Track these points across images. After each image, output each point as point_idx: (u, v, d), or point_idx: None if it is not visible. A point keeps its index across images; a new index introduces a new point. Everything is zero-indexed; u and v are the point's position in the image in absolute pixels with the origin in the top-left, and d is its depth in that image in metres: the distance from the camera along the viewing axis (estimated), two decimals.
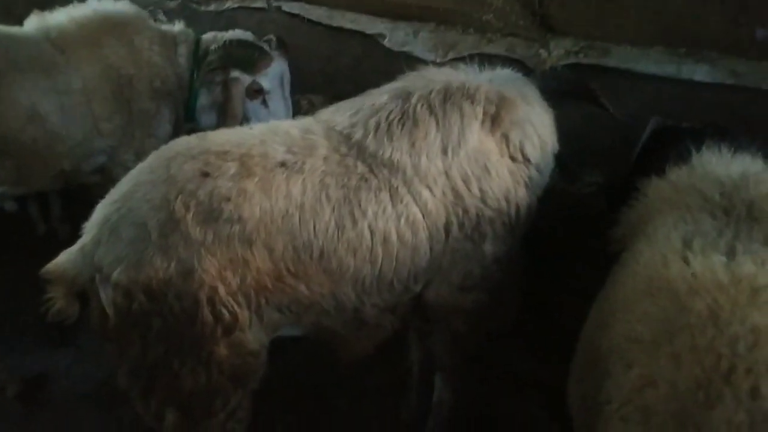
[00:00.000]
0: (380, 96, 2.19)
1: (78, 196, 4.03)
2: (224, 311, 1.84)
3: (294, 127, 2.09)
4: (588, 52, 2.94)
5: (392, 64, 3.35)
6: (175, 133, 3.27)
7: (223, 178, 1.86)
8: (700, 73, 2.68)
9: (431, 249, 2.09)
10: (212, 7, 4.13)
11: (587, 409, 1.63)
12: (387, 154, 2.04)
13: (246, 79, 3.14)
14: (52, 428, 2.96)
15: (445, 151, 2.09)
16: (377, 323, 2.15)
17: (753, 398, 1.23)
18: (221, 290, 1.83)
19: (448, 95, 2.13)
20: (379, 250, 2.00)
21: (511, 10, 3.19)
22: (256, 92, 3.18)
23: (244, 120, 3.20)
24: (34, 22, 2.97)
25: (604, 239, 2.08)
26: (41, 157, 2.87)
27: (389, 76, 2.86)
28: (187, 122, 3.32)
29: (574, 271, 2.70)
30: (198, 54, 3.20)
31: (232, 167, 1.88)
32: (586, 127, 2.71)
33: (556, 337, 2.36)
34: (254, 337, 1.94)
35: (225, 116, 3.18)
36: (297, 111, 3.39)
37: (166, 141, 3.10)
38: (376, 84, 2.54)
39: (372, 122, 2.08)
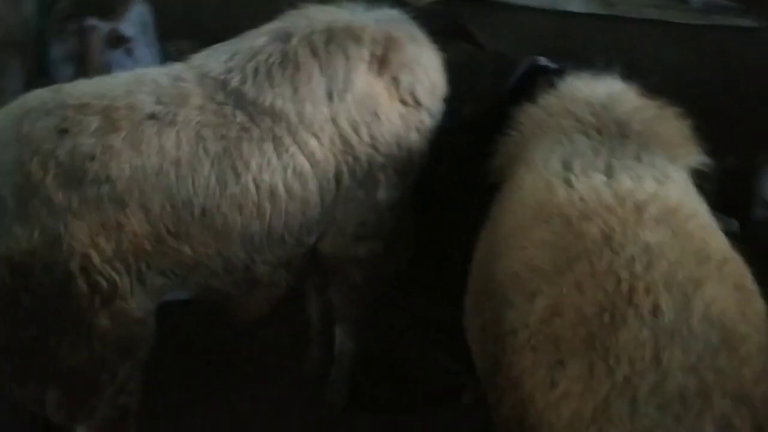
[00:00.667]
0: (258, 38, 2.07)
1: None
2: (101, 280, 1.72)
3: (163, 74, 1.95)
4: None
5: (264, 3, 3.22)
6: (28, 89, 3.02)
7: (85, 135, 1.71)
8: (575, 3, 2.75)
9: (322, 200, 2.03)
10: None
11: (488, 339, 1.66)
12: (268, 102, 1.94)
13: (104, 26, 2.92)
14: None
15: (330, 97, 2.01)
16: (270, 281, 2.08)
17: (654, 315, 1.29)
18: (95, 257, 1.70)
19: (331, 36, 2.05)
20: (267, 205, 1.92)
21: None
22: (117, 40, 2.96)
23: (107, 71, 2.98)
24: None
25: (483, 172, 2.10)
26: None
27: (262, 15, 2.70)
28: (41, 77, 3.04)
29: (463, 208, 2.73)
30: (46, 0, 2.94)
31: (94, 122, 1.72)
32: (462, 63, 2.71)
33: (451, 276, 2.39)
34: (138, 305, 1.82)
35: (84, 69, 2.93)
36: (165, 58, 3.18)
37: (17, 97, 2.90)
38: (248, 25, 2.39)
39: (250, 67, 1.97)
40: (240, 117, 1.91)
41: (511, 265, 1.60)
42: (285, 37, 2.04)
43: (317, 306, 2.69)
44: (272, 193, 1.92)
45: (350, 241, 2.18)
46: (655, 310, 1.29)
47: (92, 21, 2.88)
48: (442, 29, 2.41)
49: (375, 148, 2.08)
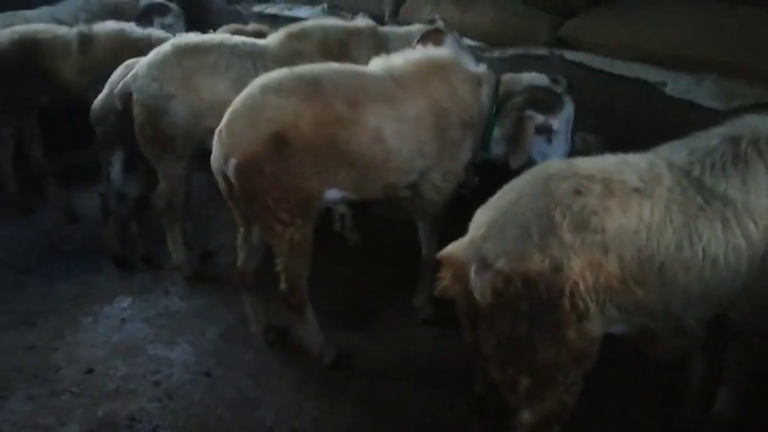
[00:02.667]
0: (711, 139, 2.56)
1: (364, 211, 4.83)
2: (580, 302, 2.26)
3: (641, 160, 2.51)
4: None
5: (670, 111, 3.74)
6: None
7: (591, 197, 2.31)
8: None
9: (748, 275, 2.42)
10: (496, 54, 4.71)
11: None
12: (721, 190, 2.41)
13: (539, 117, 3.60)
14: (358, 394, 3.61)
15: None
16: (692, 333, 2.51)
17: None
18: (581, 285, 2.25)
19: None
20: (708, 271, 2.37)
21: None
22: (545, 130, 3.63)
23: (529, 153, 3.66)
24: (379, 63, 3.63)
25: None
26: (377, 171, 3.48)
27: (667, 121, 3.19)
28: (481, 150, 3.85)
29: None
30: (497, 92, 3.70)
31: (598, 188, 2.33)
32: None
33: None
34: (596, 328, 2.34)
35: (515, 148, 3.63)
36: (572, 147, 3.80)
37: (464, 165, 3.69)
38: (653, 128, 2.87)
39: (708, 161, 2.47)
40: (698, 199, 2.40)
41: None
42: (735, 140, 2.51)
43: (701, 367, 3.04)
44: (714, 262, 2.37)
45: (758, 312, 2.53)
46: None
47: (531, 112, 3.59)
48: None
49: None
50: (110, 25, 5.42)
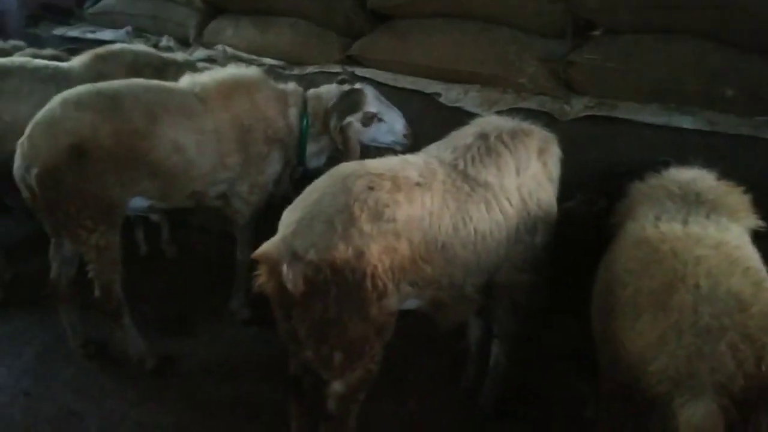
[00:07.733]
0: (466, 137, 2.89)
1: (182, 224, 4.73)
2: (379, 283, 2.39)
3: (419, 160, 2.78)
4: (601, 107, 3.74)
5: (446, 117, 4.09)
6: (290, 174, 3.98)
7: (383, 191, 2.46)
8: (685, 122, 3.49)
9: (507, 243, 2.80)
10: (296, 71, 4.84)
11: (603, 327, 2.31)
12: (482, 177, 2.75)
13: (356, 116, 3.72)
14: (182, 395, 3.58)
15: (517, 173, 2.82)
16: (472, 298, 2.84)
17: (696, 288, 2.02)
18: (379, 268, 2.39)
19: (514, 134, 2.88)
20: (480, 245, 2.69)
21: (540, 75, 4.00)
22: (370, 118, 3.75)
23: (372, 142, 3.83)
24: (186, 80, 3.63)
25: (601, 229, 2.78)
26: (180, 179, 3.48)
27: (443, 125, 3.53)
28: (298, 165, 3.98)
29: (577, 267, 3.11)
30: (305, 109, 3.83)
31: (387, 184, 2.50)
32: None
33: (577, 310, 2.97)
34: (393, 304, 2.50)
35: (347, 155, 3.66)
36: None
37: (273, 178, 3.82)
38: (433, 133, 3.17)
39: (468, 156, 2.80)
40: (465, 187, 2.70)
41: (616, 274, 2.34)
42: (484, 136, 2.86)
43: (476, 332, 3.42)
44: (483, 237, 2.69)
45: (517, 272, 2.88)
46: (696, 286, 2.01)
47: (348, 119, 3.68)
48: None
49: (539, 207, 2.86)
50: None
